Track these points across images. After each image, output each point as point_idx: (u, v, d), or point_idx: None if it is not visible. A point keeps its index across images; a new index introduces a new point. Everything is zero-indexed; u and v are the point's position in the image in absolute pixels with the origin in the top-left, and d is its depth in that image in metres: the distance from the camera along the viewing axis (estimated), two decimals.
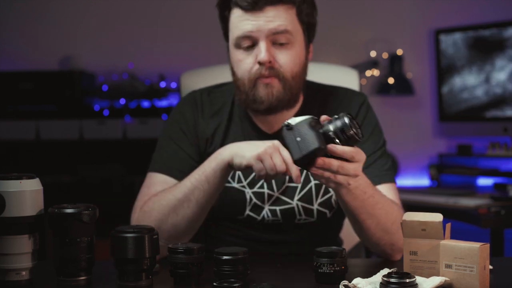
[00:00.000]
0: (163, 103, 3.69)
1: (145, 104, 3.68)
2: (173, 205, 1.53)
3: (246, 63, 1.57)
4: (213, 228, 1.70)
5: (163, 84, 3.71)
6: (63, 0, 3.84)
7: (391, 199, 1.55)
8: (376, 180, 1.60)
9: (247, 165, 1.43)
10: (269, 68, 1.55)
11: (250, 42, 1.56)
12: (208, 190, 1.51)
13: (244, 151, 1.44)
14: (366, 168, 1.62)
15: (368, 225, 1.50)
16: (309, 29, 1.62)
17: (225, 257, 1.27)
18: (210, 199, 1.53)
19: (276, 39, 1.55)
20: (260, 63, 1.54)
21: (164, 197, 1.55)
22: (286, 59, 1.56)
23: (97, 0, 3.85)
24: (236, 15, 1.56)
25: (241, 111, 1.69)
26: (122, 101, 3.67)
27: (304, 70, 1.62)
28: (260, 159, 1.41)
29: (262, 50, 1.54)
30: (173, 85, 3.71)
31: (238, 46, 1.57)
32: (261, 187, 1.65)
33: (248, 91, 1.57)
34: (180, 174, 1.63)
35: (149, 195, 1.60)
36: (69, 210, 1.27)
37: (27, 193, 1.27)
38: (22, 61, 3.81)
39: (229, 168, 1.48)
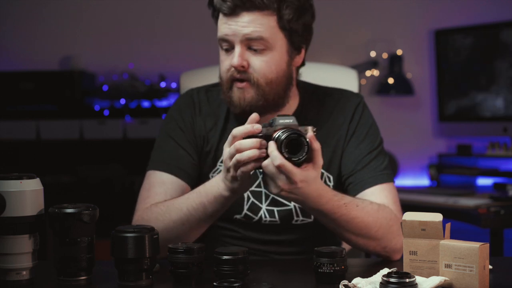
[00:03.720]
0: (163, 103, 3.69)
1: (145, 104, 3.68)
2: (167, 225, 1.53)
3: (224, 65, 1.60)
4: (211, 229, 1.70)
5: (163, 84, 3.71)
6: (63, 0, 3.85)
7: (378, 205, 1.54)
8: (371, 181, 1.60)
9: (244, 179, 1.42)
10: (242, 72, 1.57)
11: (228, 45, 1.58)
12: (204, 217, 1.52)
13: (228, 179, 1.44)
14: (361, 169, 1.62)
15: (347, 236, 1.53)
16: (292, 35, 1.60)
17: (225, 257, 1.27)
18: (207, 222, 1.54)
19: (251, 45, 1.56)
20: (233, 67, 1.57)
21: (161, 214, 1.55)
22: (260, 65, 1.57)
23: (97, 0, 3.86)
24: (220, 18, 1.60)
25: None
26: (122, 101, 3.67)
27: (284, 76, 1.61)
28: (242, 160, 1.39)
29: (235, 55, 1.56)
30: (173, 85, 3.71)
31: (221, 47, 1.61)
32: (258, 186, 1.65)
33: (226, 92, 1.61)
34: (179, 171, 1.63)
35: (149, 198, 1.61)
36: (69, 210, 1.28)
37: (28, 193, 1.27)
38: (22, 61, 3.81)
39: (233, 196, 1.48)
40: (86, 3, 3.86)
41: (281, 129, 1.39)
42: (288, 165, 1.35)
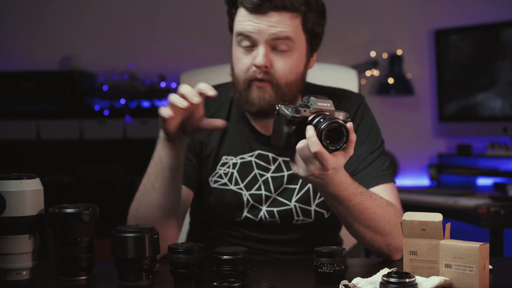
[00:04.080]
0: (163, 103, 3.69)
1: (145, 104, 3.68)
2: (139, 196, 1.54)
3: (243, 63, 1.57)
4: (211, 228, 1.70)
5: (163, 84, 3.71)
6: (63, 0, 3.85)
7: (386, 201, 1.55)
8: (373, 181, 1.60)
9: (164, 118, 1.42)
10: (264, 72, 1.55)
11: (249, 43, 1.56)
12: (160, 173, 1.50)
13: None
14: (363, 169, 1.62)
15: (356, 227, 1.51)
16: (313, 38, 1.62)
17: (225, 257, 1.27)
18: (166, 181, 1.51)
19: (276, 45, 1.55)
20: (256, 66, 1.55)
21: (139, 189, 1.56)
22: (283, 66, 1.56)
23: (97, 0, 3.86)
24: (241, 14, 1.57)
25: (238, 112, 1.69)
26: (122, 101, 3.67)
27: (301, 78, 1.62)
28: (170, 103, 1.41)
29: (260, 54, 1.54)
30: (173, 85, 3.71)
31: (238, 43, 1.58)
32: (258, 189, 1.65)
33: (242, 91, 1.58)
34: None
35: None
36: (69, 210, 1.28)
37: (28, 193, 1.27)
38: (23, 61, 3.81)
39: (167, 141, 1.47)
40: (86, 3, 3.86)
41: (318, 113, 1.36)
42: (325, 153, 1.33)
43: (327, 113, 1.37)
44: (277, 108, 1.39)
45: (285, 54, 1.56)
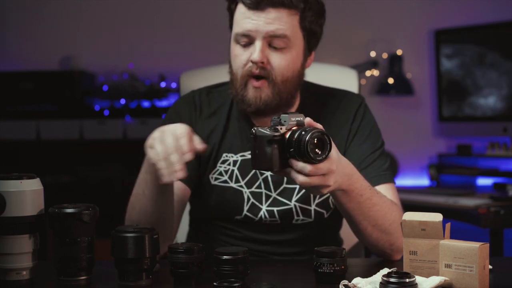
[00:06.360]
0: (163, 103, 3.69)
1: (145, 104, 3.68)
2: (132, 201, 1.50)
3: (241, 59, 1.58)
4: (211, 228, 1.70)
5: (163, 84, 3.71)
6: (63, 0, 3.85)
7: (390, 199, 1.55)
8: (374, 181, 1.60)
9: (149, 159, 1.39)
10: (261, 68, 1.56)
11: (247, 40, 1.57)
12: (150, 184, 1.47)
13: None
14: (364, 169, 1.62)
15: (364, 226, 1.51)
16: (310, 36, 1.62)
17: (225, 257, 1.27)
18: (156, 192, 1.48)
19: (272, 42, 1.56)
20: (252, 62, 1.56)
21: (131, 195, 1.54)
22: (279, 63, 1.56)
23: (97, 0, 3.86)
24: (240, 11, 1.57)
25: (239, 110, 1.69)
26: (122, 101, 3.68)
27: (298, 76, 1.62)
28: (150, 146, 1.38)
29: (256, 50, 1.55)
30: (173, 85, 3.71)
31: (236, 41, 1.59)
32: (259, 187, 1.65)
33: (238, 89, 1.59)
34: None
35: None
36: (69, 210, 1.28)
37: (28, 193, 1.27)
38: (23, 61, 3.81)
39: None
40: (86, 3, 3.86)
41: (297, 128, 1.34)
42: (317, 167, 1.31)
43: (304, 127, 1.34)
44: (253, 131, 1.35)
45: (282, 51, 1.57)
